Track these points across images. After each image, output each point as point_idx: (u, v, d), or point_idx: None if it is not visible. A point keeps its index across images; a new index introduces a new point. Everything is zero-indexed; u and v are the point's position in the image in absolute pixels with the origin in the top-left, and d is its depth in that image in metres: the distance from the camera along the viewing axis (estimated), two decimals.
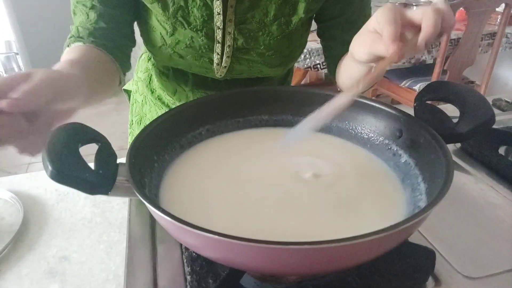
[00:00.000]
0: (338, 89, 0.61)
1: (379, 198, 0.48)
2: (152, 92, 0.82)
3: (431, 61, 2.10)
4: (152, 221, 0.56)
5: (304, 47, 0.76)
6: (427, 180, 0.46)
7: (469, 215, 0.57)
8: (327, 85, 2.58)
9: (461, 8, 1.91)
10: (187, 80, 0.77)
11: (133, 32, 0.68)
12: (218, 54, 0.67)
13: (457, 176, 0.55)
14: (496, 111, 0.81)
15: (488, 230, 0.54)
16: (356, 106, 0.55)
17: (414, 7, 2.39)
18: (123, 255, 0.51)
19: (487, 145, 0.71)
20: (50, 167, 0.35)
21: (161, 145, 0.51)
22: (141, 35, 0.71)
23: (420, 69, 2.27)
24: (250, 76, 0.73)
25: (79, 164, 0.37)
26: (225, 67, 0.69)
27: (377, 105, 0.54)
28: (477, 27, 2.00)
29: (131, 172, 0.40)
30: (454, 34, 2.01)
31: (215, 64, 0.68)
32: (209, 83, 0.76)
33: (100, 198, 0.62)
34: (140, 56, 0.86)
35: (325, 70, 1.99)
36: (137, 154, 0.44)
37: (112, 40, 0.63)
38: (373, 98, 0.58)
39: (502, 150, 0.71)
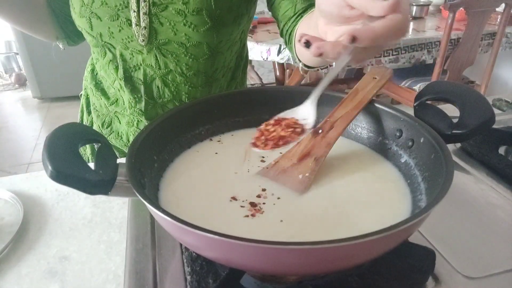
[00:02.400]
0: (344, 90, 0.60)
1: (378, 198, 0.48)
2: (96, 84, 0.81)
3: (431, 61, 2.10)
4: (152, 221, 0.56)
5: (249, 16, 0.71)
6: (427, 180, 0.46)
7: (469, 215, 0.57)
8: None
9: (461, 8, 1.91)
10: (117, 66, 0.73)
11: None
12: (134, 11, 0.65)
13: (457, 176, 0.55)
14: (496, 111, 0.81)
15: (488, 230, 0.54)
16: None
17: (414, 8, 2.39)
18: (123, 255, 0.51)
19: (487, 145, 0.71)
20: (50, 167, 0.35)
21: (161, 145, 0.51)
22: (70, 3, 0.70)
23: (420, 69, 2.27)
24: (177, 41, 0.68)
25: (79, 164, 0.38)
26: (145, 27, 0.66)
27: (377, 105, 0.54)
28: (477, 27, 2.00)
29: (131, 172, 0.40)
30: (454, 34, 2.01)
31: (134, 25, 0.66)
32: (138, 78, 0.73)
33: (100, 198, 0.62)
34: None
35: (326, 70, 1.98)
36: (137, 154, 0.44)
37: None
38: (373, 98, 0.58)
39: (502, 150, 0.71)
